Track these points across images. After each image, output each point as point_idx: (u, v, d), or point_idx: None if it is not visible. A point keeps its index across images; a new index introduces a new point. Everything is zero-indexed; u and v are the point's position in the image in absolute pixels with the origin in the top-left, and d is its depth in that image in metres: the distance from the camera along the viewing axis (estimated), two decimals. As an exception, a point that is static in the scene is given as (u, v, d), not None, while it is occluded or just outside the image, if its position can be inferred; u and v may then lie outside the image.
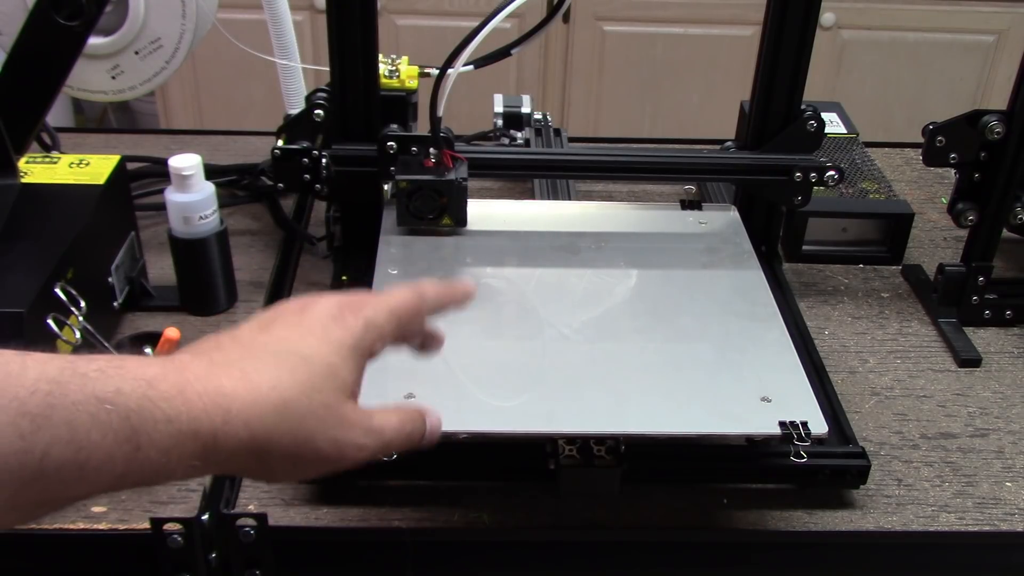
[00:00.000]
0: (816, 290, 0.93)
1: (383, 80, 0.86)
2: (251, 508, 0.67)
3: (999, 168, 0.83)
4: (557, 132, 1.10)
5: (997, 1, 2.03)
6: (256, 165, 1.05)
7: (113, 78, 0.94)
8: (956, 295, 0.88)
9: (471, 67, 0.82)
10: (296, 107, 1.06)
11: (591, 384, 0.68)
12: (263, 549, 0.64)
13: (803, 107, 0.87)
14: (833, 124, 1.11)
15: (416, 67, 0.88)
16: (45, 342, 0.69)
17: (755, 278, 0.81)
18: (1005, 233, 0.88)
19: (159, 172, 1.03)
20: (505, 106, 1.08)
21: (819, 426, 0.64)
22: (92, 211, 0.77)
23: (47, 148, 1.00)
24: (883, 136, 1.27)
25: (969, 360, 0.84)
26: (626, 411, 0.65)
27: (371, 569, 0.68)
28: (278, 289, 0.89)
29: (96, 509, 0.66)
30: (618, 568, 0.69)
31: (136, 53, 0.93)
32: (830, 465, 0.69)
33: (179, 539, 0.62)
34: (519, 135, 1.07)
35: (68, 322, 0.70)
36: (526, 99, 1.09)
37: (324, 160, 0.84)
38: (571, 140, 1.12)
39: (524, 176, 1.05)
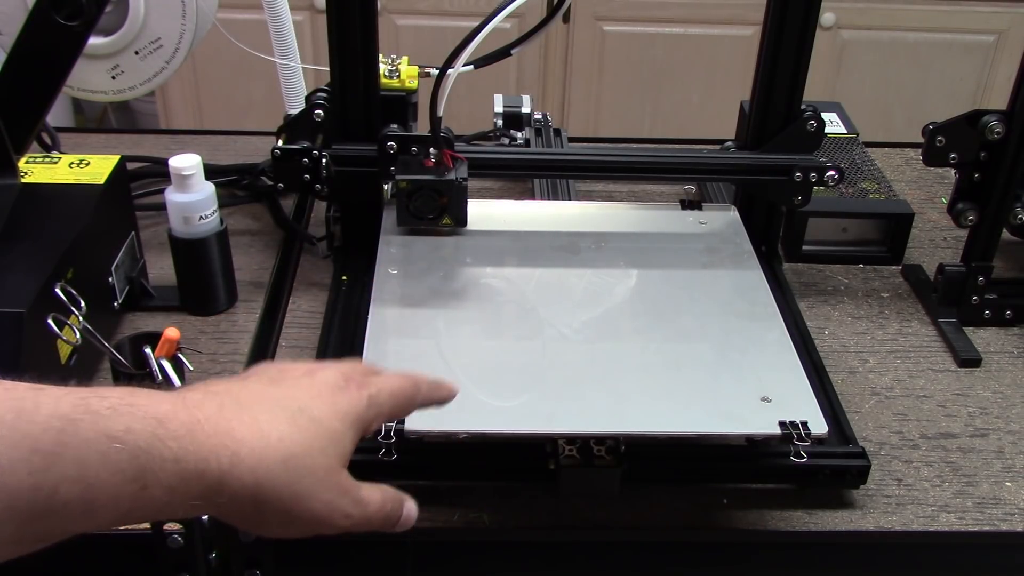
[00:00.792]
0: (816, 290, 0.93)
1: (383, 80, 0.86)
2: (251, 508, 0.66)
3: (999, 168, 0.83)
4: (557, 132, 1.10)
5: (997, 1, 2.03)
6: (256, 165, 1.05)
7: (113, 78, 0.94)
8: (956, 295, 0.88)
9: (471, 67, 0.82)
10: (296, 107, 1.06)
11: (591, 384, 0.68)
12: (263, 549, 0.64)
13: (803, 107, 0.87)
14: (833, 124, 1.11)
15: (416, 67, 0.88)
16: (45, 342, 0.69)
17: (755, 278, 0.81)
18: (1005, 233, 0.88)
19: (159, 172, 1.03)
20: (505, 106, 1.08)
21: (819, 426, 0.64)
22: (92, 211, 0.77)
23: (47, 148, 1.00)
24: (883, 136, 1.27)
25: (969, 360, 0.84)
26: (626, 411, 0.65)
27: (371, 569, 0.68)
28: (278, 289, 0.89)
29: (96, 509, 0.66)
30: (618, 568, 0.69)
31: (136, 53, 0.93)
32: (830, 465, 0.69)
33: (179, 539, 0.62)
34: (519, 135, 1.07)
35: (68, 322, 0.70)
36: (526, 99, 1.09)
37: (324, 160, 0.84)
38: (571, 140, 1.12)
39: (524, 176, 1.05)
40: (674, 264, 0.83)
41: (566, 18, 2.04)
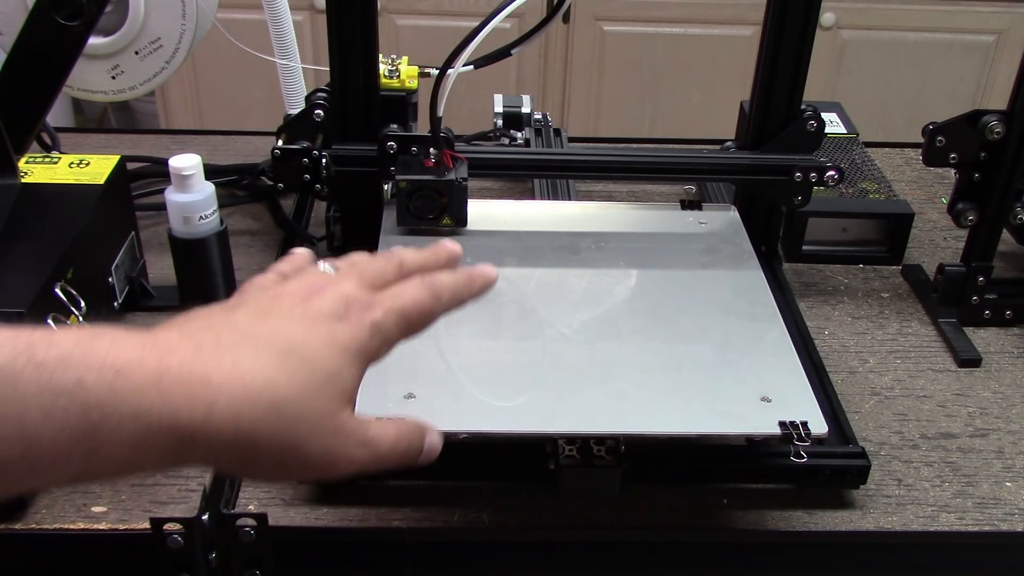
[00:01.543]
0: (816, 290, 0.93)
1: (383, 80, 0.86)
2: (251, 508, 0.67)
3: (999, 168, 0.83)
4: (557, 132, 1.10)
5: (997, 1, 2.03)
6: (256, 165, 1.05)
7: (113, 78, 0.94)
8: (956, 295, 0.88)
9: (471, 67, 0.82)
10: (296, 107, 1.06)
11: (591, 384, 0.68)
12: (263, 549, 0.64)
13: (803, 107, 0.87)
14: (833, 124, 1.11)
15: (416, 67, 0.88)
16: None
17: (755, 278, 0.81)
18: (1005, 233, 0.88)
19: (159, 172, 1.03)
20: (505, 106, 1.08)
21: (819, 426, 0.64)
22: (92, 211, 0.77)
23: (47, 148, 1.00)
24: (883, 136, 1.27)
25: (969, 360, 0.84)
26: (626, 411, 0.65)
27: (371, 569, 0.68)
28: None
29: (96, 509, 0.66)
30: (618, 568, 0.69)
31: (136, 53, 0.93)
32: (830, 465, 0.69)
33: (179, 539, 0.62)
34: (519, 135, 1.07)
35: (68, 322, 0.70)
36: (526, 99, 1.09)
37: (324, 160, 0.84)
38: (571, 140, 1.12)
39: (524, 176, 1.05)
40: (674, 264, 0.83)
41: (566, 18, 2.04)
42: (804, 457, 0.65)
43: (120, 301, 0.83)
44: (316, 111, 0.84)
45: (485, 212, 0.89)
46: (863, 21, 2.06)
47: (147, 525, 0.63)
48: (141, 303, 0.85)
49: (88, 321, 0.71)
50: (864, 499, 0.70)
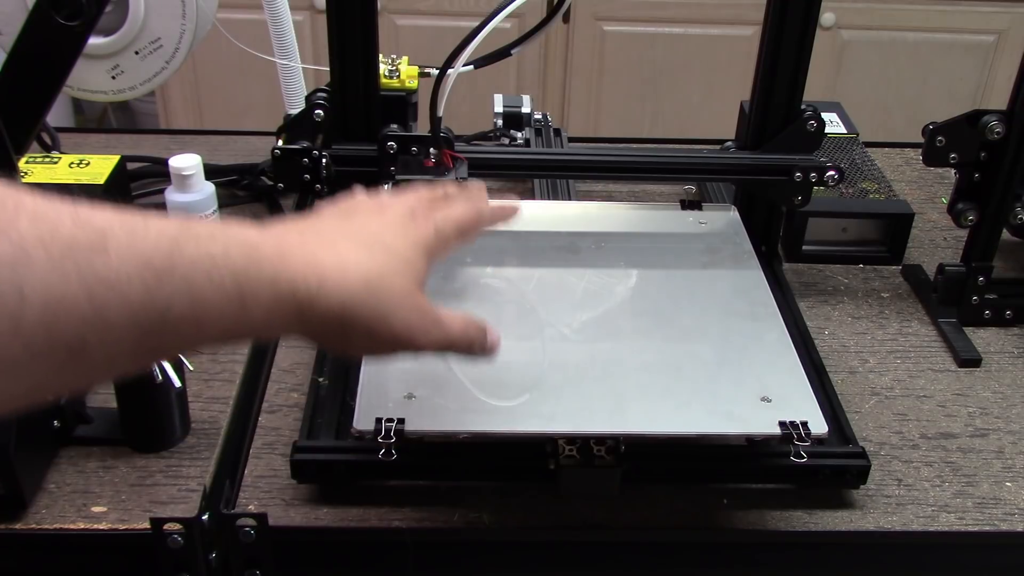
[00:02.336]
0: (816, 290, 0.93)
1: (383, 80, 0.86)
2: (251, 508, 0.67)
3: (999, 168, 0.83)
4: (557, 132, 1.10)
5: (997, 1, 2.03)
6: (256, 165, 1.05)
7: (113, 78, 0.94)
8: (956, 295, 0.88)
9: (471, 67, 0.82)
10: (296, 107, 1.06)
11: (591, 384, 0.68)
12: (263, 549, 0.64)
13: (803, 107, 0.87)
14: (833, 124, 1.11)
15: (416, 67, 0.88)
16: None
17: (755, 278, 0.81)
18: (1005, 233, 0.88)
19: (159, 172, 1.03)
20: (505, 106, 1.08)
21: (819, 426, 0.64)
22: (92, 211, 0.77)
23: (47, 148, 1.00)
24: (883, 136, 1.27)
25: (969, 360, 0.84)
26: (626, 411, 0.65)
27: (371, 569, 0.68)
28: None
29: (96, 509, 0.66)
30: (618, 568, 0.69)
31: (136, 53, 0.93)
32: (830, 465, 0.69)
33: (179, 539, 0.62)
34: (519, 135, 1.07)
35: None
36: (526, 99, 1.09)
37: (324, 160, 0.84)
38: (571, 140, 1.12)
39: (524, 176, 1.05)
40: (674, 264, 0.83)
41: (566, 18, 2.04)
42: (804, 457, 0.65)
43: (120, 301, 0.82)
44: (316, 111, 0.84)
45: (485, 212, 0.89)
46: (863, 21, 2.06)
47: (147, 525, 0.63)
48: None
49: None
50: (864, 499, 0.70)
